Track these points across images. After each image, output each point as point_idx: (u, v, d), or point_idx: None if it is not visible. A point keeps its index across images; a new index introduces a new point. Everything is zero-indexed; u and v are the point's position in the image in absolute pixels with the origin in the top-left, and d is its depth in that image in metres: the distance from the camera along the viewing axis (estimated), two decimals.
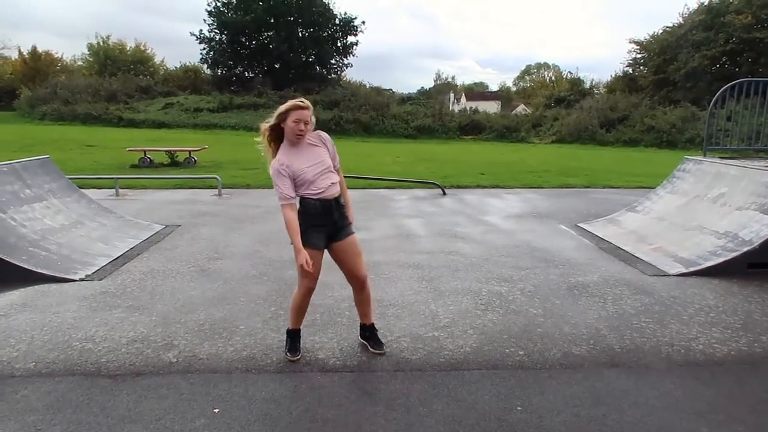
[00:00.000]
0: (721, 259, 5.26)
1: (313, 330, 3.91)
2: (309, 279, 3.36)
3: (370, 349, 3.60)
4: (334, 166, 3.41)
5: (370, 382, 3.23)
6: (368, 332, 3.66)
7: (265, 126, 3.35)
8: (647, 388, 3.17)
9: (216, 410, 2.91)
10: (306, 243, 3.26)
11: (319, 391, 3.13)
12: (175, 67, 45.69)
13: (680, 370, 3.41)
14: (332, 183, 3.32)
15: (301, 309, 3.52)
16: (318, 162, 3.28)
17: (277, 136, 3.33)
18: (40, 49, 45.41)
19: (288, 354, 3.51)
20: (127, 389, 3.12)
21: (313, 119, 3.31)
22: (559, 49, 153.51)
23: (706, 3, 32.75)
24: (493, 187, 11.64)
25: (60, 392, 3.08)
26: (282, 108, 3.24)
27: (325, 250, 3.42)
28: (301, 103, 3.22)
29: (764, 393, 3.13)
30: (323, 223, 3.32)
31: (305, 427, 2.77)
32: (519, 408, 2.95)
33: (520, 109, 49.70)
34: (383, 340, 3.73)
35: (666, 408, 2.96)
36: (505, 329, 3.97)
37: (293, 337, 3.57)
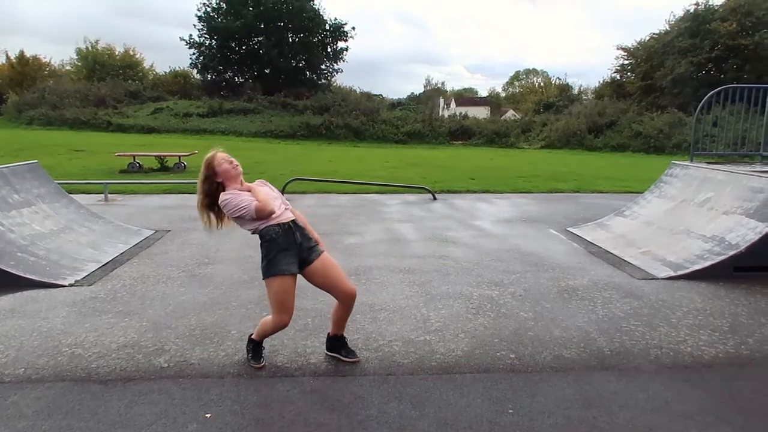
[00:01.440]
0: (708, 263, 5.32)
1: (305, 334, 3.91)
2: (285, 315, 3.26)
3: (346, 359, 3.51)
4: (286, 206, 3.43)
5: (363, 386, 3.24)
6: (340, 342, 3.55)
7: (200, 198, 3.36)
8: (637, 390, 3.21)
9: (208, 415, 2.90)
10: (276, 270, 3.19)
11: (311, 395, 3.13)
12: (165, 72, 45.56)
13: (669, 372, 3.45)
14: (286, 209, 3.34)
15: (265, 333, 3.44)
16: (270, 193, 3.33)
17: (211, 203, 3.35)
18: (27, 54, 45.09)
19: (252, 362, 3.47)
20: (118, 395, 3.10)
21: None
22: (548, 55, 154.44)
23: (692, 10, 33.21)
24: (483, 192, 11.70)
25: (50, 398, 3.06)
26: (204, 164, 3.28)
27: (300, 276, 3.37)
28: (212, 152, 3.30)
29: (752, 394, 3.18)
30: (288, 247, 3.24)
31: (298, 431, 2.77)
32: (510, 411, 2.97)
33: (510, 114, 49.92)
34: (375, 344, 3.74)
35: (655, 410, 2.99)
36: (496, 333, 4.00)
37: (256, 345, 3.51)
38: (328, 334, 3.61)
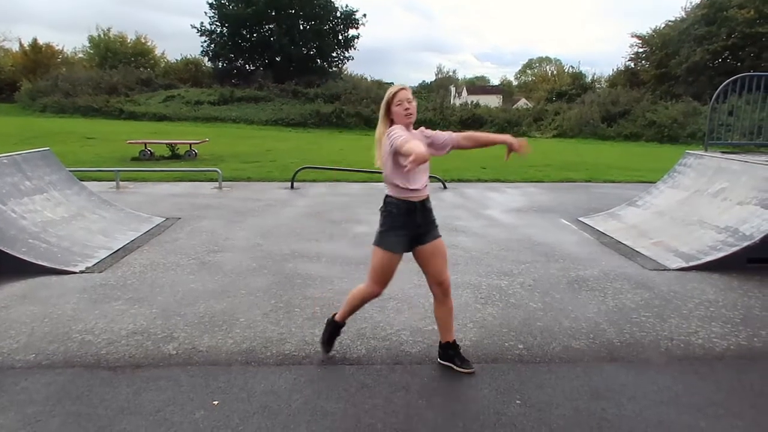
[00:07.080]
0: (721, 254, 5.25)
1: (313, 323, 3.91)
2: (379, 286, 3.22)
3: (459, 369, 3.25)
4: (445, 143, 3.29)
5: (370, 375, 3.24)
6: (452, 350, 3.31)
7: (380, 129, 3.22)
8: (646, 382, 3.18)
9: (215, 402, 2.91)
10: (384, 244, 3.17)
11: (318, 383, 3.14)
12: (176, 60, 45.69)
13: (679, 364, 3.41)
14: (424, 186, 3.18)
15: (354, 305, 3.35)
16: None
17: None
18: (40, 42, 45.33)
19: (323, 347, 3.45)
20: (127, 381, 3.13)
21: (415, 104, 3.16)
22: (559, 43, 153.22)
23: None
24: (494, 181, 11.63)
25: (60, 384, 3.09)
26: (385, 98, 3.15)
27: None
28: (399, 86, 3.15)
29: (763, 387, 3.13)
30: (404, 226, 3.15)
31: (304, 419, 2.78)
32: (518, 401, 2.95)
33: (522, 103, 49.51)
34: (383, 333, 3.74)
35: (665, 402, 2.96)
36: (504, 323, 3.97)
37: (335, 328, 3.43)
38: (440, 341, 3.38)
